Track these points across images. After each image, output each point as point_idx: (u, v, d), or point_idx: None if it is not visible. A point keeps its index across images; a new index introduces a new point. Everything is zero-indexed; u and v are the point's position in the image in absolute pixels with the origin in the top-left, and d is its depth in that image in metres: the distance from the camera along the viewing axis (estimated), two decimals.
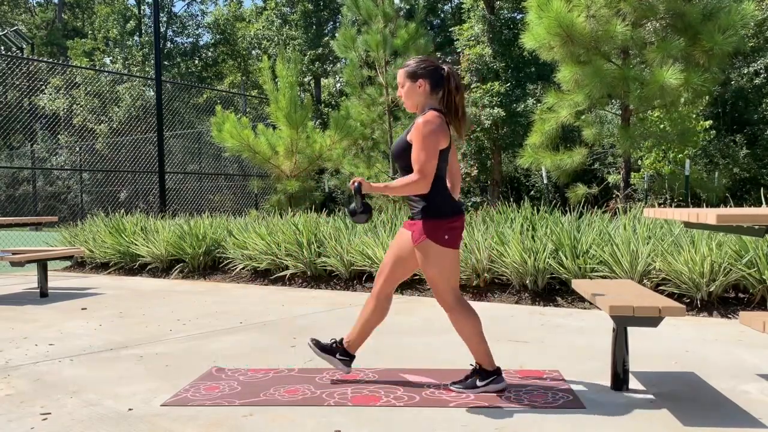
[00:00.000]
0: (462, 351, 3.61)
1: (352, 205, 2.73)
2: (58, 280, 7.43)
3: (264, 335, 4.15)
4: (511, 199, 16.41)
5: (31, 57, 18.45)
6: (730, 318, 4.49)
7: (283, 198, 10.11)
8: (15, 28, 21.44)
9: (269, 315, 4.88)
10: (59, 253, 6.11)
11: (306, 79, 26.78)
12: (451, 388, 2.89)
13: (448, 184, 2.92)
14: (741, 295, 4.77)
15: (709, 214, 2.32)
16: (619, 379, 2.86)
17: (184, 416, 2.60)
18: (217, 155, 17.71)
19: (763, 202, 5.56)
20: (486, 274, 5.48)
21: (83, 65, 27.53)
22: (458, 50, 20.03)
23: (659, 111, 10.38)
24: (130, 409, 2.70)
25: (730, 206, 8.19)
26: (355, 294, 5.88)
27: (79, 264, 8.52)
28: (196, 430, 2.45)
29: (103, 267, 8.26)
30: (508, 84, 17.46)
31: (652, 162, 12.43)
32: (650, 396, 2.78)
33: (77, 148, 20.88)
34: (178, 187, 17.81)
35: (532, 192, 18.97)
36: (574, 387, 2.92)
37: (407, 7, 19.92)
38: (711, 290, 4.60)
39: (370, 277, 6.19)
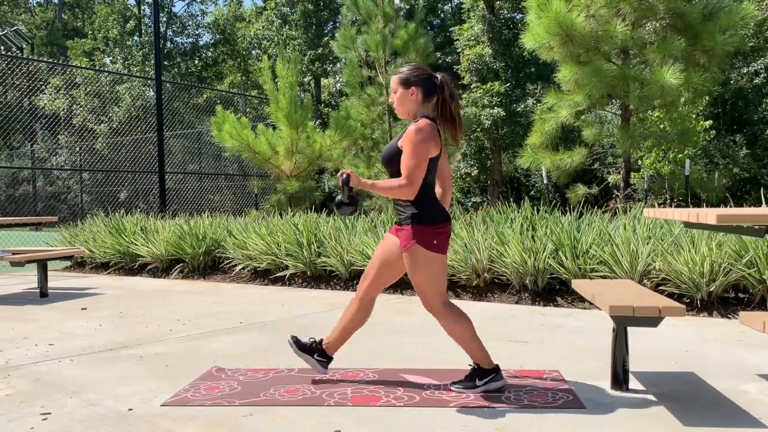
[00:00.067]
0: (462, 351, 3.61)
1: (339, 197, 2.73)
2: (58, 280, 7.43)
3: (264, 335, 4.15)
4: (511, 199, 16.41)
5: (31, 57, 18.45)
6: (730, 318, 4.49)
7: (283, 198, 10.11)
8: (15, 28, 21.44)
9: (269, 315, 4.88)
10: (59, 253, 6.12)
11: (306, 79, 26.78)
12: (451, 388, 2.89)
13: (439, 190, 2.97)
14: (741, 295, 4.77)
15: (709, 214, 2.32)
16: (619, 379, 2.86)
17: (184, 416, 2.60)
18: (217, 155, 17.71)
19: (763, 202, 5.56)
20: (486, 274, 5.48)
21: (83, 65, 27.53)
22: (458, 50, 20.03)
23: (659, 111, 10.38)
24: (130, 409, 2.70)
25: (730, 206, 8.19)
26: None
27: (79, 264, 8.52)
28: (196, 430, 2.45)
29: (103, 267, 8.26)
30: (508, 84, 17.46)
31: (652, 162, 12.43)
32: (650, 396, 2.78)
33: (77, 148, 20.88)
34: (178, 187, 17.81)
35: (532, 192, 18.96)
36: (574, 387, 2.92)
37: (407, 7, 19.93)
38: (711, 290, 4.60)
39: None
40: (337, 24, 26.33)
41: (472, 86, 18.10)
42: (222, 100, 22.02)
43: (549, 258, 5.22)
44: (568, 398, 2.75)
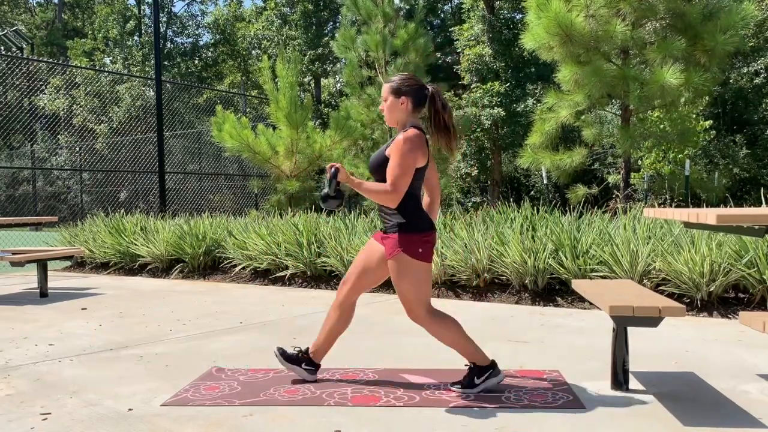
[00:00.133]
0: None
1: (325, 190, 2.74)
2: (58, 280, 7.43)
3: (264, 335, 4.15)
4: (511, 199, 16.41)
5: (31, 57, 18.45)
6: (730, 318, 4.49)
7: (283, 198, 10.11)
8: (15, 28, 21.44)
9: (269, 315, 4.88)
10: (59, 253, 6.12)
11: (306, 79, 26.78)
12: (451, 388, 2.89)
13: (427, 198, 3.00)
14: (741, 295, 4.77)
15: (709, 214, 2.32)
16: (619, 379, 2.86)
17: (184, 416, 2.60)
18: (217, 155, 17.71)
19: (763, 202, 5.56)
20: (486, 274, 5.48)
21: (83, 65, 27.53)
22: (458, 50, 20.03)
23: (659, 111, 10.38)
24: (130, 409, 2.70)
25: (730, 206, 8.19)
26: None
27: (79, 264, 8.52)
28: (196, 430, 2.45)
29: (103, 267, 8.26)
30: (508, 84, 17.46)
31: (652, 162, 12.43)
32: (650, 396, 2.78)
33: (77, 148, 20.88)
34: (178, 187, 17.81)
35: (532, 192, 18.97)
36: (574, 387, 2.92)
37: (407, 7, 19.93)
38: (711, 290, 4.60)
39: None
40: (337, 24, 26.33)
41: (472, 86, 18.10)
42: (222, 100, 22.02)
43: (549, 258, 5.22)
44: (568, 398, 2.75)
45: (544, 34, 7.95)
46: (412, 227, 2.73)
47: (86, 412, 2.67)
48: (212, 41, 32.37)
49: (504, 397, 2.77)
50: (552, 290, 5.34)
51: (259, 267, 6.74)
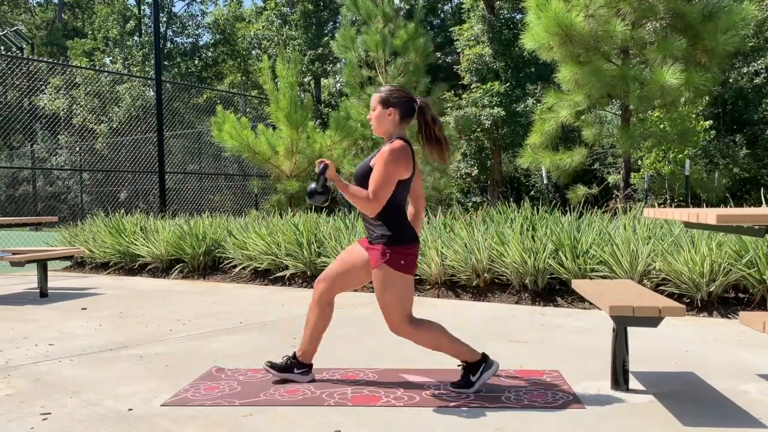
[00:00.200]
0: None
1: (312, 185, 2.76)
2: (58, 280, 7.43)
3: (264, 335, 4.15)
4: (511, 199, 16.42)
5: (31, 57, 18.46)
6: (730, 318, 4.49)
7: (283, 198, 10.11)
8: (15, 28, 21.44)
9: (269, 315, 4.88)
10: (59, 253, 6.12)
11: (306, 79, 26.79)
12: (451, 388, 2.89)
13: (412, 210, 3.04)
14: (741, 295, 4.77)
15: (709, 214, 2.32)
16: (619, 379, 2.86)
17: (184, 416, 2.60)
18: (217, 155, 17.71)
19: (763, 202, 5.56)
20: (486, 274, 5.48)
21: (83, 65, 27.54)
22: (458, 50, 20.03)
23: (659, 111, 10.38)
24: (130, 409, 2.70)
25: (730, 206, 8.19)
26: (355, 294, 5.88)
27: (79, 264, 8.52)
28: (196, 430, 2.45)
29: (103, 267, 8.26)
30: (508, 84, 17.46)
31: (652, 162, 12.43)
32: (650, 396, 2.78)
33: (77, 148, 20.88)
34: (178, 187, 17.81)
35: (532, 192, 18.97)
36: (574, 387, 2.92)
37: (407, 7, 19.93)
38: (711, 290, 4.60)
39: None
40: (337, 24, 26.33)
41: (472, 86, 18.10)
42: (222, 100, 22.03)
43: (549, 258, 5.22)
44: (568, 398, 2.75)
45: (543, 34, 7.95)
46: (396, 239, 2.76)
47: (86, 412, 2.67)
48: (212, 41, 32.37)
49: (504, 397, 2.77)
50: (552, 290, 5.34)
51: (259, 267, 6.74)
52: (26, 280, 7.53)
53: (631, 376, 3.08)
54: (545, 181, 10.33)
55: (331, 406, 2.69)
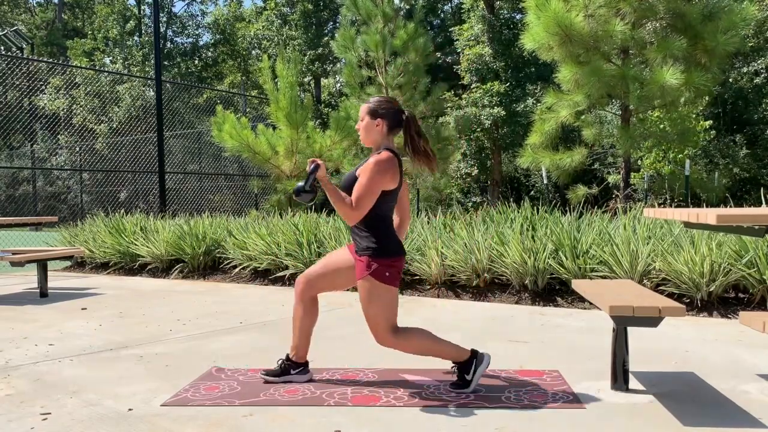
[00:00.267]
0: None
1: (300, 183, 2.76)
2: (58, 280, 7.44)
3: (264, 335, 4.15)
4: (511, 199, 16.42)
5: (31, 57, 18.45)
6: (730, 318, 4.49)
7: (283, 198, 10.11)
8: (15, 28, 21.44)
9: (269, 315, 4.88)
10: (59, 253, 6.12)
11: (306, 79, 26.79)
12: (450, 389, 2.90)
13: (397, 219, 3.06)
14: (741, 295, 4.77)
15: (709, 214, 2.32)
16: (619, 379, 2.86)
17: (184, 416, 2.61)
18: (217, 155, 17.71)
19: (763, 202, 5.56)
20: (486, 274, 5.48)
21: (83, 65, 27.54)
22: (458, 50, 20.04)
23: (659, 111, 10.38)
24: (130, 409, 2.70)
25: (730, 206, 8.19)
26: (355, 294, 5.88)
27: (79, 264, 8.52)
28: (196, 430, 2.45)
29: (103, 267, 8.26)
30: (508, 84, 17.47)
31: (652, 162, 12.43)
32: (650, 396, 2.78)
33: (77, 148, 20.88)
34: (178, 187, 17.81)
35: (532, 192, 18.97)
36: (574, 387, 2.92)
37: (407, 7, 19.94)
38: (711, 290, 4.60)
39: None
40: (337, 24, 26.33)
41: (472, 86, 18.10)
42: (222, 100, 22.03)
43: (549, 258, 5.22)
44: (567, 398, 2.75)
45: (543, 34, 7.96)
46: (382, 251, 2.77)
47: (86, 412, 2.67)
48: (212, 41, 32.38)
49: (504, 397, 2.77)
50: (552, 290, 5.34)
51: (259, 267, 6.74)
52: (26, 280, 7.53)
53: (631, 376, 3.08)
54: (545, 181, 10.34)
55: (331, 406, 2.69)
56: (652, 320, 2.70)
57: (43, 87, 24.13)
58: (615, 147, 9.41)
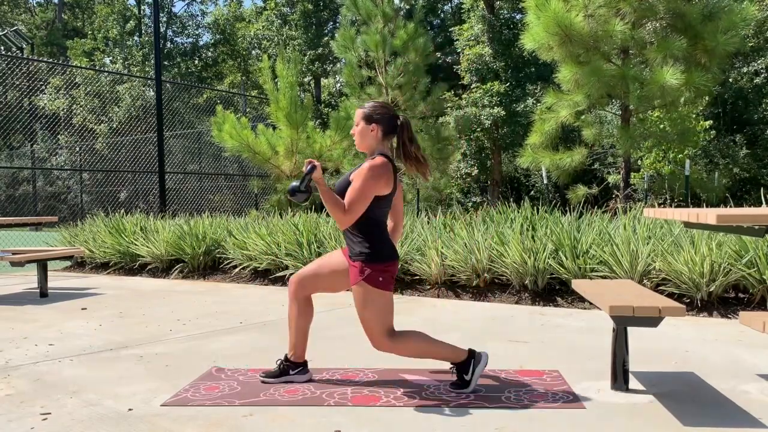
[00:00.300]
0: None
1: (295, 183, 2.76)
2: (58, 280, 7.44)
3: (264, 335, 4.15)
4: (511, 199, 16.42)
5: (31, 57, 18.45)
6: (730, 318, 4.49)
7: (283, 198, 10.11)
8: (15, 28, 21.44)
9: (269, 315, 4.88)
10: (59, 253, 6.12)
11: (306, 79, 26.79)
12: (450, 389, 2.90)
13: (391, 223, 3.08)
14: (741, 295, 4.77)
15: (709, 214, 2.32)
16: (619, 379, 2.86)
17: (184, 416, 2.61)
18: (217, 155, 17.72)
19: (763, 202, 5.56)
20: (486, 274, 5.48)
21: (83, 65, 27.54)
22: (458, 50, 20.04)
23: (659, 111, 10.38)
24: (130, 409, 2.70)
25: (730, 206, 8.19)
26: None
27: (79, 264, 8.52)
28: (196, 430, 2.45)
29: (103, 267, 8.26)
30: (508, 84, 17.47)
31: (652, 162, 12.43)
32: (650, 396, 2.78)
33: (77, 148, 20.88)
34: (178, 187, 17.81)
35: (532, 192, 18.97)
36: (574, 387, 2.92)
37: (407, 7, 19.93)
38: (711, 290, 4.60)
39: None
40: (337, 24, 26.33)
41: (472, 86, 18.10)
42: (222, 100, 22.03)
43: (549, 258, 5.22)
44: (568, 398, 2.75)
45: (543, 34, 7.96)
46: (375, 257, 2.77)
47: (86, 412, 2.67)
48: (212, 41, 32.38)
49: (504, 397, 2.77)
50: (552, 290, 5.34)
51: (259, 267, 6.74)
52: (26, 280, 7.53)
53: (631, 376, 3.08)
54: (545, 181, 10.34)
55: (331, 406, 2.69)
56: (652, 320, 2.70)
57: (43, 87, 24.13)
58: (615, 147, 9.41)
